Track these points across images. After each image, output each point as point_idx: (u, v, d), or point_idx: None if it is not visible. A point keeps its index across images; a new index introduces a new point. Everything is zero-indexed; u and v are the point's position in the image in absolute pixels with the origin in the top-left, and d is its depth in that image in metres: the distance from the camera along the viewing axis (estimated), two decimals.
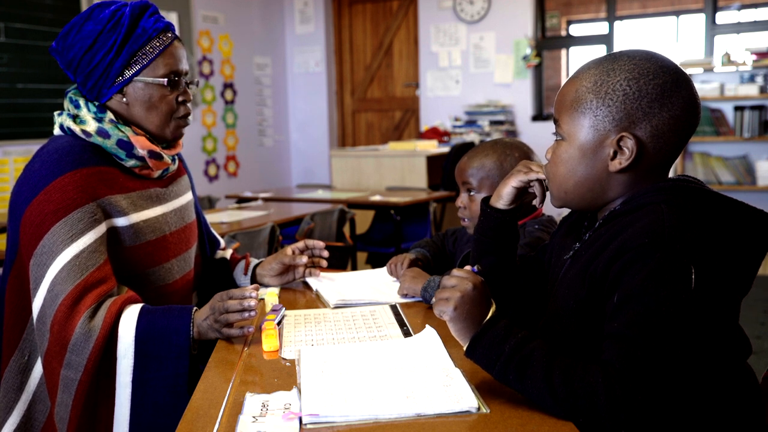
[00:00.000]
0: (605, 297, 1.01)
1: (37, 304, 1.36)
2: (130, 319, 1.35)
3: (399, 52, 7.03)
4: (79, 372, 1.32)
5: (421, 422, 0.97)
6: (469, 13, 6.43)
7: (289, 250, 1.74)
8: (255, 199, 4.55)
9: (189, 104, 1.56)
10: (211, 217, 3.62)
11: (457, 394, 1.03)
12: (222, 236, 2.88)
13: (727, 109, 5.61)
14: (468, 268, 1.12)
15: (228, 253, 1.86)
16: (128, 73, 1.47)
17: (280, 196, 4.72)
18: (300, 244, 1.75)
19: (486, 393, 1.04)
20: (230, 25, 6.66)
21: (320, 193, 4.81)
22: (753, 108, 5.42)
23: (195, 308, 1.39)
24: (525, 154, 1.66)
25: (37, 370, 1.43)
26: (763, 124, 5.45)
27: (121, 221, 1.45)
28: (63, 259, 1.35)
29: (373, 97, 7.22)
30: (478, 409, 0.99)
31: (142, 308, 1.37)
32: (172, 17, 6.01)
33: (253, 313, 1.34)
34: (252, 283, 1.76)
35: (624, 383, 0.91)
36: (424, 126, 6.63)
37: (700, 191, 1.05)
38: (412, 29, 6.89)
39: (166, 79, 1.48)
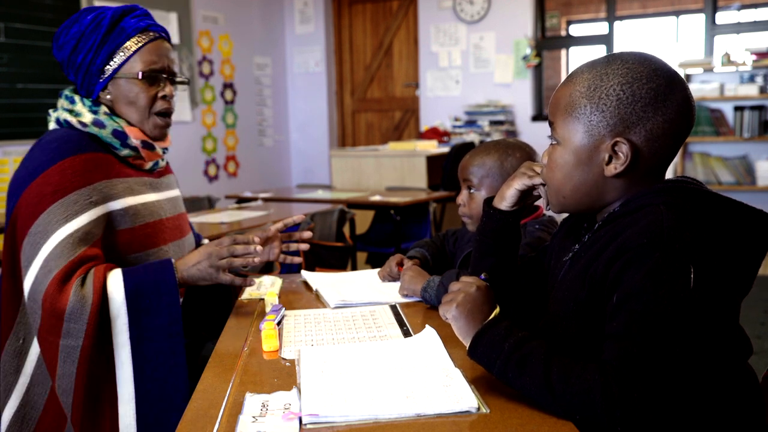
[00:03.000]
0: (605, 298, 1.01)
1: (28, 282, 1.41)
2: (116, 279, 1.41)
3: (399, 52, 7.03)
4: (80, 339, 1.37)
5: (421, 422, 0.97)
6: (469, 13, 6.43)
7: (267, 227, 1.78)
8: (255, 199, 4.55)
9: (172, 100, 1.62)
10: (211, 217, 3.62)
11: (457, 394, 1.03)
12: (222, 236, 2.89)
13: (727, 109, 5.61)
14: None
15: (205, 242, 1.89)
16: (108, 71, 1.55)
17: (280, 196, 4.72)
18: (278, 225, 1.77)
19: (486, 393, 1.04)
20: (230, 25, 6.66)
21: (320, 193, 4.81)
22: (753, 108, 5.42)
23: (172, 259, 1.48)
24: (527, 154, 1.67)
25: (33, 352, 1.47)
26: (763, 124, 5.45)
27: (117, 204, 1.51)
28: (57, 237, 1.40)
29: (373, 97, 7.22)
30: (478, 409, 0.99)
31: (123, 270, 1.43)
32: (172, 17, 6.01)
33: (257, 260, 1.47)
34: None
35: (620, 380, 0.91)
36: (424, 126, 6.63)
37: (699, 192, 1.05)
38: (412, 29, 6.89)
39: (140, 74, 1.55)
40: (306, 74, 7.29)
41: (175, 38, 6.05)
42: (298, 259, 1.78)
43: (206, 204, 4.55)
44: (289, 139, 7.49)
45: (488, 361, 1.03)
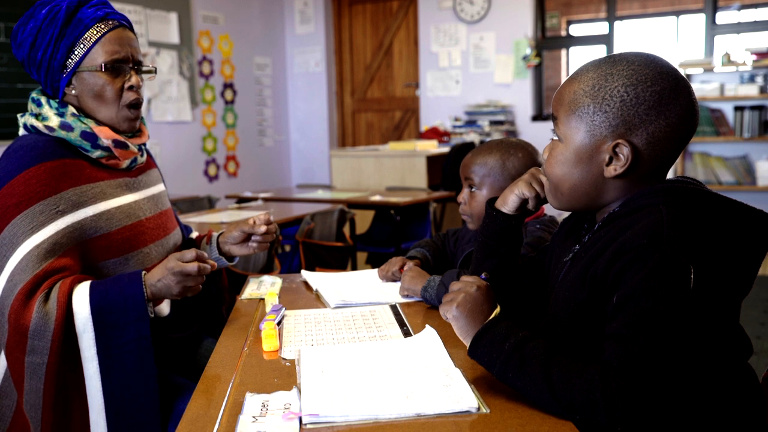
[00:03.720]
0: (605, 299, 1.01)
1: None
2: (82, 294, 1.36)
3: (399, 52, 7.03)
4: (44, 356, 1.33)
5: (421, 422, 0.97)
6: (469, 13, 6.43)
7: (251, 219, 1.74)
8: (255, 199, 4.55)
9: (141, 90, 1.56)
10: (211, 217, 3.62)
11: (457, 394, 1.03)
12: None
13: (727, 109, 5.61)
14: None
15: (195, 235, 1.88)
16: (70, 65, 1.49)
17: (280, 196, 4.72)
18: (263, 216, 1.74)
19: (486, 393, 1.04)
20: (230, 25, 6.66)
21: (320, 193, 4.81)
22: (753, 108, 5.42)
23: (144, 272, 1.42)
24: (529, 154, 1.66)
25: (1, 365, 1.43)
26: (763, 124, 5.45)
27: (89, 211, 1.47)
28: (23, 250, 1.37)
29: (373, 97, 7.22)
30: (478, 409, 0.99)
31: (91, 283, 1.39)
32: (172, 17, 6.01)
33: (200, 285, 1.43)
34: (219, 252, 1.77)
35: (621, 380, 0.91)
36: (424, 126, 6.63)
37: (699, 192, 1.04)
38: (412, 29, 6.89)
39: (103, 66, 1.49)
40: (306, 74, 7.29)
41: (175, 38, 6.05)
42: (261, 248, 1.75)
43: (206, 204, 4.55)
44: (289, 139, 7.49)
45: (489, 361, 1.02)
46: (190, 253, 1.41)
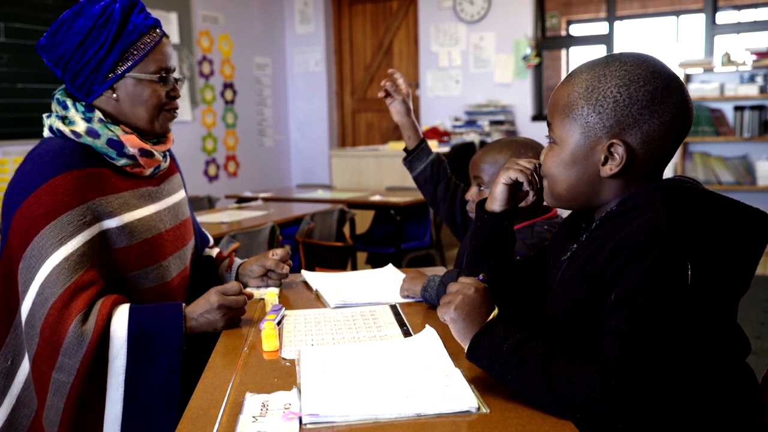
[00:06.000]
0: (603, 297, 1.02)
1: (26, 308, 1.36)
2: (121, 319, 1.35)
3: (399, 52, 7.03)
4: (71, 375, 1.33)
5: (421, 422, 0.97)
6: (469, 13, 6.43)
7: (270, 253, 1.75)
8: (255, 199, 4.55)
9: (177, 100, 1.58)
10: (211, 217, 3.62)
11: (457, 393, 1.03)
12: (222, 236, 2.88)
13: (727, 109, 5.62)
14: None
15: (214, 252, 1.87)
16: (120, 69, 1.47)
17: (280, 196, 4.72)
18: (281, 252, 1.75)
19: (486, 393, 1.04)
20: (230, 25, 6.66)
21: (320, 193, 4.81)
22: (753, 108, 5.42)
23: (183, 304, 1.42)
24: (539, 154, 1.65)
25: (21, 374, 1.43)
26: (763, 124, 5.45)
27: (113, 222, 1.45)
28: (52, 262, 1.35)
29: (373, 97, 7.22)
30: (478, 408, 0.99)
31: (131, 308, 1.38)
32: (172, 17, 6.01)
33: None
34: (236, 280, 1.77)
35: (620, 377, 0.91)
36: (425, 126, 6.63)
37: (696, 190, 1.05)
38: (412, 29, 6.89)
39: (158, 76, 1.49)
40: (306, 74, 7.29)
41: (175, 38, 6.05)
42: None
43: (206, 204, 4.55)
44: (289, 139, 7.49)
45: (487, 363, 1.02)
46: (234, 287, 1.43)
